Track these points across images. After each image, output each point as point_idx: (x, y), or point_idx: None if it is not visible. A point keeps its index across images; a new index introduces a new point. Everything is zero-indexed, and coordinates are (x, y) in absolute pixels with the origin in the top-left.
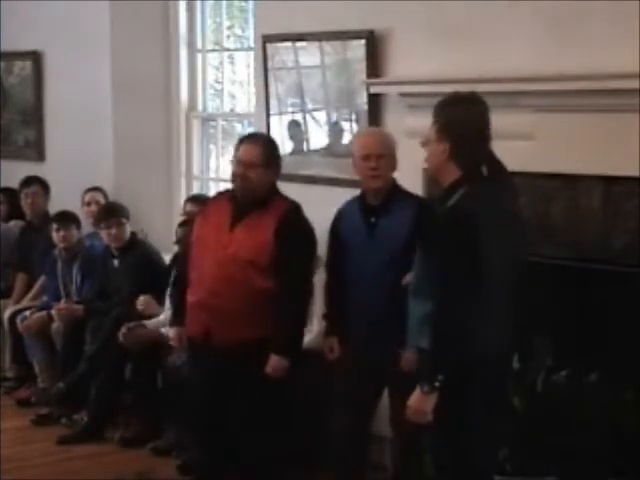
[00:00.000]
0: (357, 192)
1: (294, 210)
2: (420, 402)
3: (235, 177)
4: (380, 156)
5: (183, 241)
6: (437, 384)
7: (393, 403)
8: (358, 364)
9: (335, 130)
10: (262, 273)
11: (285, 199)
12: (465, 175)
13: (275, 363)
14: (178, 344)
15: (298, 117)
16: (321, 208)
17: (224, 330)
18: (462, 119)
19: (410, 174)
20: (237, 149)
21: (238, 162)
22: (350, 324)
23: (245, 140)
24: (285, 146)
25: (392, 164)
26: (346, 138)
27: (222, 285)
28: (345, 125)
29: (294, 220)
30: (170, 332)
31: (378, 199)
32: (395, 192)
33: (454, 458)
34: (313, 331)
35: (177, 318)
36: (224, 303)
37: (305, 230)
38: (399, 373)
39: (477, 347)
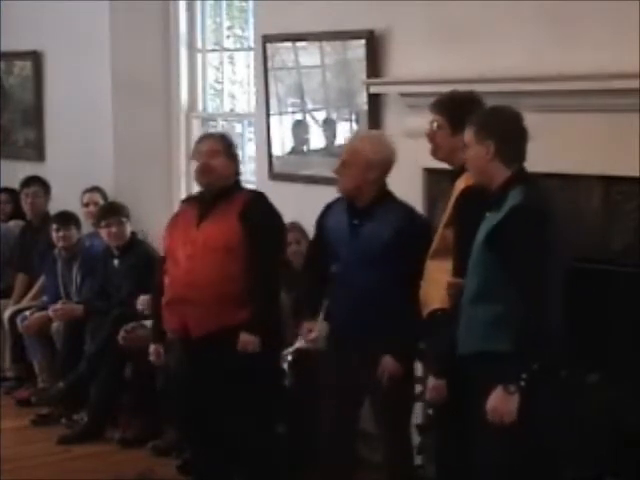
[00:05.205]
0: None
1: (258, 196)
2: (505, 403)
3: (197, 170)
4: (344, 162)
5: (162, 254)
6: (522, 383)
7: (374, 405)
8: (342, 363)
9: (335, 130)
10: (234, 258)
11: (250, 190)
12: (517, 173)
13: (244, 339)
14: (156, 360)
15: (299, 117)
16: (321, 208)
17: (201, 320)
18: (500, 115)
19: (410, 174)
20: (194, 149)
21: (198, 155)
22: (334, 321)
23: (201, 138)
24: (285, 146)
25: (359, 173)
26: (345, 138)
27: (195, 276)
28: (345, 125)
29: (258, 204)
30: (151, 348)
31: (363, 202)
32: (382, 198)
33: (512, 458)
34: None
35: (157, 333)
36: (199, 293)
37: (269, 213)
38: (376, 376)
39: (555, 347)
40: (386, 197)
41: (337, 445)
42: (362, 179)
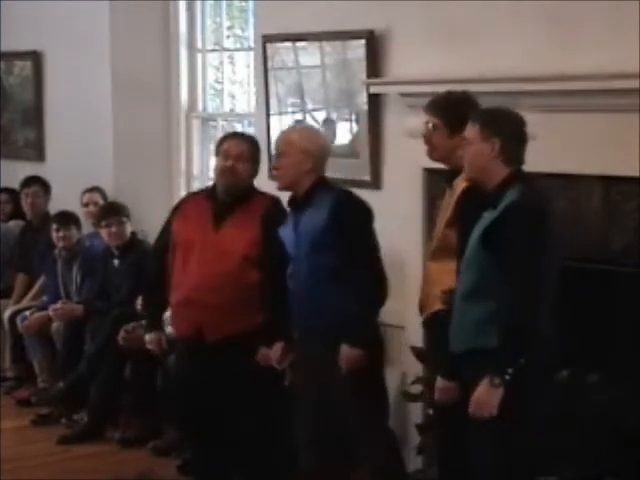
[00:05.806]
0: (355, 192)
1: (277, 203)
2: (489, 395)
3: (222, 171)
4: (280, 154)
5: (157, 244)
6: (507, 377)
7: (344, 403)
8: (308, 362)
9: (335, 130)
10: (253, 266)
11: (265, 194)
12: (515, 172)
13: (264, 354)
14: (157, 349)
15: (299, 117)
16: None
17: (218, 325)
18: (506, 115)
19: (410, 174)
20: (221, 145)
21: (226, 155)
22: (297, 322)
23: (231, 136)
24: None
25: (294, 163)
26: (345, 138)
27: (213, 281)
28: (345, 125)
29: (277, 211)
30: (147, 337)
31: (300, 194)
32: (317, 187)
33: (507, 457)
34: None
35: (155, 322)
36: (216, 298)
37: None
38: (338, 370)
39: (546, 346)
40: (322, 185)
41: (326, 447)
42: (298, 170)
